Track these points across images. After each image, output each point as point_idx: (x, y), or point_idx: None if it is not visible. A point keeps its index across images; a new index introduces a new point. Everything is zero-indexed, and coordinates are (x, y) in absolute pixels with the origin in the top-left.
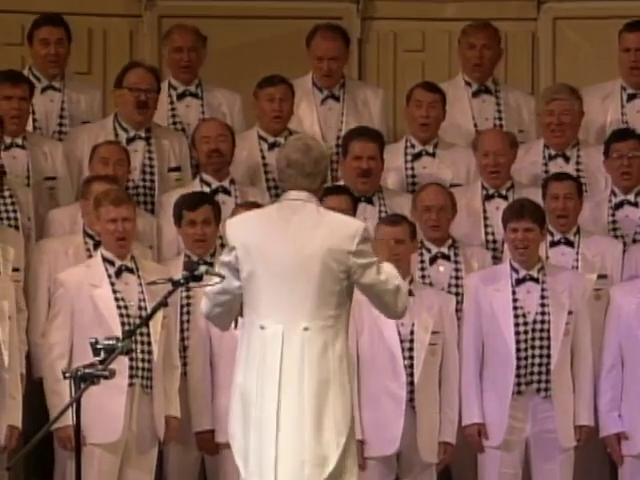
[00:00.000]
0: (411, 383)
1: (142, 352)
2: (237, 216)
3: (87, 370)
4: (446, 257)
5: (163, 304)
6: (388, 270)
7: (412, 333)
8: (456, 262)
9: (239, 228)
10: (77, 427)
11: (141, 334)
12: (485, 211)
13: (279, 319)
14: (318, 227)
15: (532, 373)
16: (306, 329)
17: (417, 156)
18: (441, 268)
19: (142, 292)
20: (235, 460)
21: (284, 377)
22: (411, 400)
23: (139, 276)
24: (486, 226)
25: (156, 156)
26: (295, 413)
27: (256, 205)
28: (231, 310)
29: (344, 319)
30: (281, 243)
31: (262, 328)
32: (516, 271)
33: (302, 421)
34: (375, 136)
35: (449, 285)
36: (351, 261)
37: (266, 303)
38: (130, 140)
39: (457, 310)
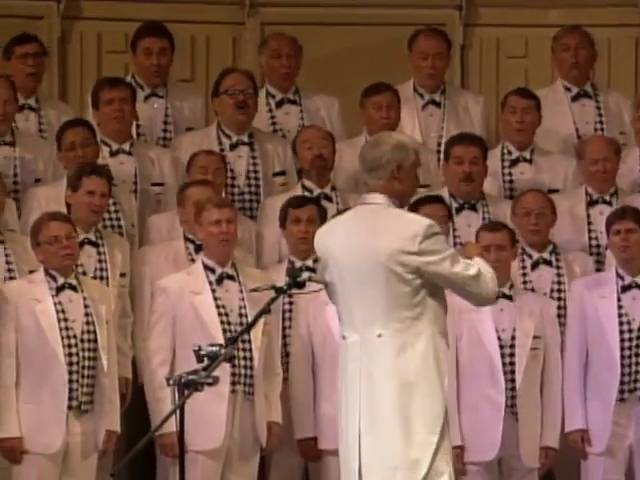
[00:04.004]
0: (512, 389)
1: (243, 359)
2: (323, 226)
3: (191, 377)
4: (548, 262)
5: (266, 311)
6: (464, 261)
7: (513, 338)
8: (558, 267)
9: (319, 239)
10: (181, 434)
11: (242, 341)
12: (589, 216)
13: (355, 328)
14: (384, 232)
15: (636, 380)
16: (380, 335)
17: (514, 162)
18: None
19: (242, 299)
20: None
21: (363, 386)
22: (512, 406)
23: (240, 283)
24: (590, 231)
25: (260, 161)
26: (378, 420)
27: None
28: None
29: (428, 317)
30: (350, 252)
31: (344, 338)
32: (622, 278)
33: (388, 427)
34: (477, 141)
35: (551, 290)
36: (416, 262)
37: (345, 313)
38: (233, 146)
39: (559, 316)
